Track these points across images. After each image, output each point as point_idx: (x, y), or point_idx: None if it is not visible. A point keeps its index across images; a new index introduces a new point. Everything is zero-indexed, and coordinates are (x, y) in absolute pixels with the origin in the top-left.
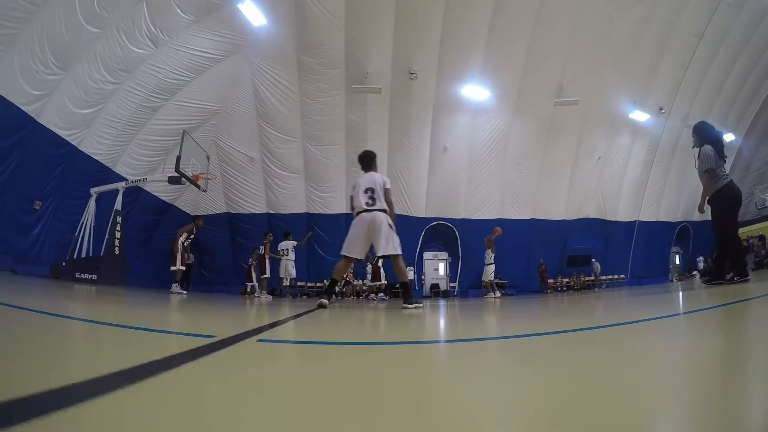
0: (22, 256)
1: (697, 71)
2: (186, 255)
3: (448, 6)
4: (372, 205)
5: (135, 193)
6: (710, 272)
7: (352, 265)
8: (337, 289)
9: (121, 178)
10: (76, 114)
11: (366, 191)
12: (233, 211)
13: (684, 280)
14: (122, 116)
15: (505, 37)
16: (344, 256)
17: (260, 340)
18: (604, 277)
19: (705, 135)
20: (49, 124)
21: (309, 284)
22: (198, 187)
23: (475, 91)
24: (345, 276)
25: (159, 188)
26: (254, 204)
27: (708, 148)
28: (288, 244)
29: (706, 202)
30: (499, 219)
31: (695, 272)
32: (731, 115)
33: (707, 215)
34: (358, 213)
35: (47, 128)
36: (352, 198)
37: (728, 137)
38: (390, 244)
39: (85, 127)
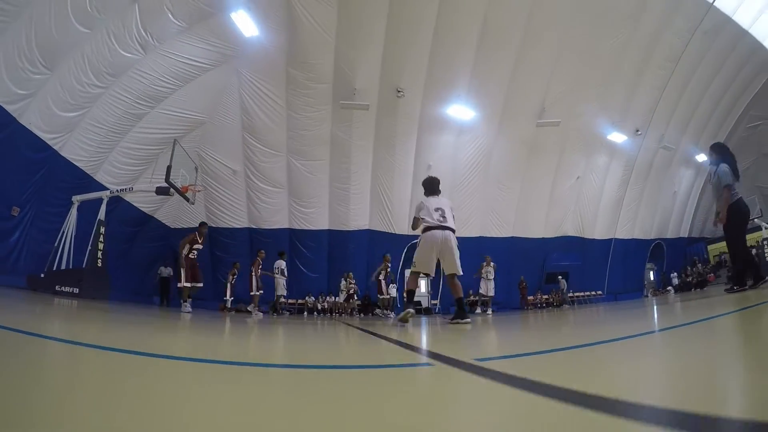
0: None
1: (672, 94)
2: (192, 268)
3: (437, 26)
4: (444, 222)
5: (114, 203)
6: (733, 280)
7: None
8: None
9: (101, 187)
10: (60, 117)
11: (437, 210)
12: (213, 225)
13: (658, 296)
14: (106, 122)
15: (491, 59)
16: (416, 271)
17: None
18: (571, 295)
19: (723, 154)
20: (31, 126)
21: (290, 301)
22: (186, 199)
23: (460, 111)
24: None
25: (139, 199)
26: (236, 218)
27: (725, 166)
28: (283, 264)
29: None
30: (480, 237)
31: (669, 288)
32: (704, 136)
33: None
34: (429, 229)
35: (29, 130)
36: (416, 219)
37: (700, 158)
38: (458, 264)
39: (68, 131)
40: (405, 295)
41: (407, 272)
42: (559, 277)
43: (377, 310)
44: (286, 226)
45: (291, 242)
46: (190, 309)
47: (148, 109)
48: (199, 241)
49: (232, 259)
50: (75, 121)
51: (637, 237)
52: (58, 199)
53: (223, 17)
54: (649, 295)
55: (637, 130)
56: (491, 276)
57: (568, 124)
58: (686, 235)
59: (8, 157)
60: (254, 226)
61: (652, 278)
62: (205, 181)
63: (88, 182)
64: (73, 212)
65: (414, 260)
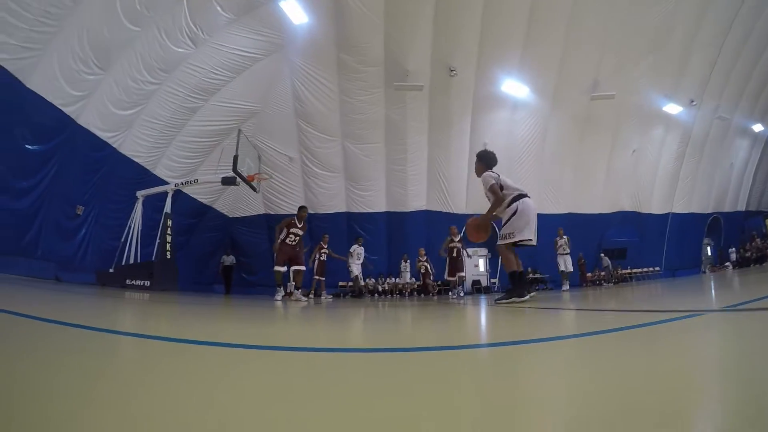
0: (66, 263)
1: (725, 63)
2: (287, 253)
3: (486, 2)
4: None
5: (174, 196)
6: None
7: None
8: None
9: (161, 181)
10: (116, 115)
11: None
12: (271, 212)
13: (716, 272)
14: (162, 117)
15: (541, 33)
16: (512, 244)
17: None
18: (628, 271)
19: None
20: (89, 126)
21: (350, 284)
22: (252, 188)
23: (514, 87)
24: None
25: (197, 190)
26: (293, 204)
27: None
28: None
29: None
30: (538, 213)
31: (727, 263)
32: (759, 105)
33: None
34: (522, 197)
35: (88, 130)
36: (501, 186)
37: (757, 127)
38: None
39: (126, 128)
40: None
41: (469, 251)
42: (602, 254)
43: (450, 291)
44: (343, 209)
45: (349, 225)
46: (279, 297)
47: (202, 102)
48: (298, 226)
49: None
50: (131, 118)
51: (694, 211)
52: (119, 195)
53: (272, 6)
54: (707, 271)
55: (692, 101)
56: (566, 250)
57: (622, 97)
58: (743, 209)
59: (70, 157)
60: (311, 211)
61: (709, 254)
62: (262, 169)
63: (148, 177)
64: (138, 207)
65: (511, 231)
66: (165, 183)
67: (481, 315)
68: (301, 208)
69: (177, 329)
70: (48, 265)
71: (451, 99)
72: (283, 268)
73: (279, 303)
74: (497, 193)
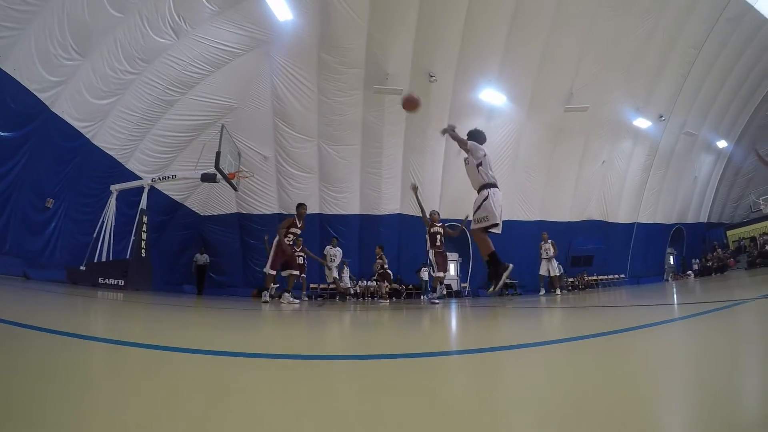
0: (34, 259)
1: (695, 81)
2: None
3: (469, 10)
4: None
5: (142, 193)
6: None
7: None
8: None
9: (133, 175)
10: (92, 104)
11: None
12: (244, 211)
13: (678, 280)
14: (138, 109)
15: (521, 42)
16: (483, 228)
17: None
18: (594, 278)
19: None
20: (63, 114)
21: (322, 286)
22: (233, 186)
23: (491, 95)
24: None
25: (169, 187)
26: (266, 204)
27: None
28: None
29: None
30: (509, 220)
31: (689, 272)
32: (724, 122)
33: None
34: (491, 186)
35: (61, 118)
36: (481, 163)
37: (720, 144)
38: None
39: (101, 119)
40: (488, 259)
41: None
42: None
43: (430, 294)
44: (316, 211)
45: (321, 227)
46: (266, 298)
47: (180, 96)
48: (298, 225)
49: (262, 244)
50: (107, 108)
51: (658, 221)
52: (91, 189)
53: (257, 1)
54: (669, 279)
55: (661, 116)
56: (551, 253)
57: (594, 109)
58: (705, 220)
59: (42, 147)
60: (284, 212)
61: (672, 262)
62: (242, 167)
63: (120, 171)
64: (112, 202)
65: (485, 215)
66: (137, 177)
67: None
68: (300, 206)
69: (174, 336)
70: (15, 261)
71: (429, 104)
72: (274, 272)
73: (265, 305)
74: (472, 156)
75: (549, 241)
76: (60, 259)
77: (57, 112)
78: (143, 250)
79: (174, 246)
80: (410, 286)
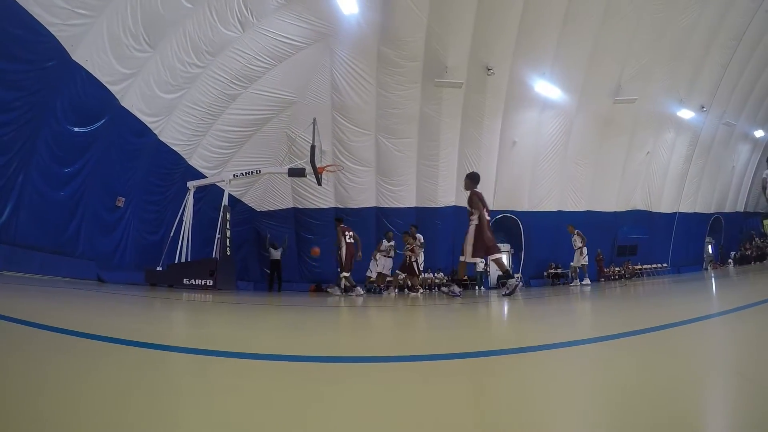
0: (105, 260)
1: (734, 72)
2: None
3: (525, 4)
4: None
5: (204, 189)
6: None
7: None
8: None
9: (196, 171)
10: (160, 99)
11: None
12: (300, 206)
13: (717, 269)
14: (203, 103)
15: (573, 37)
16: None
17: None
18: (639, 267)
19: None
20: (132, 109)
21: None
22: (318, 181)
23: (544, 88)
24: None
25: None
26: (322, 198)
27: None
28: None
29: None
30: (558, 211)
31: (729, 261)
32: (761, 112)
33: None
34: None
35: (131, 113)
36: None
37: (758, 133)
38: None
39: (167, 114)
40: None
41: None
42: (598, 250)
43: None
44: (373, 204)
45: (378, 220)
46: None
47: (242, 90)
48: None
49: (319, 239)
50: (174, 102)
51: (698, 211)
52: (157, 187)
53: None
54: (708, 268)
55: (703, 107)
56: (577, 245)
57: (640, 101)
58: (742, 209)
59: (112, 143)
60: (341, 206)
61: (710, 252)
62: (293, 161)
63: (184, 168)
64: (190, 199)
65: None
66: (201, 174)
67: None
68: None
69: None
70: (89, 264)
71: (485, 97)
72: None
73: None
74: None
75: (576, 231)
76: (130, 259)
77: (126, 106)
78: (228, 249)
79: (233, 242)
80: (466, 278)
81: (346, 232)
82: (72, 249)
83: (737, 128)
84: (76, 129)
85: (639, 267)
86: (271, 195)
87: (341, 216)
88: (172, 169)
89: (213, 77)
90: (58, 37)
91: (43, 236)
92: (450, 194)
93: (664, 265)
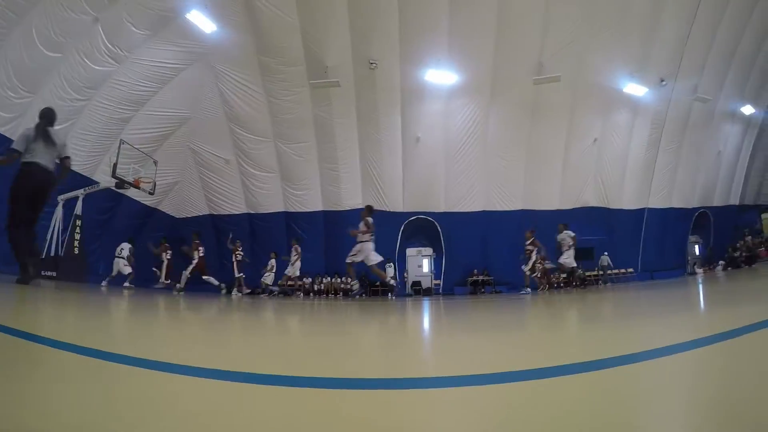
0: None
1: (701, 35)
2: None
3: None
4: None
5: (114, 200)
6: None
7: None
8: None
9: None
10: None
11: None
12: (215, 213)
13: (708, 273)
14: (95, 129)
15: (469, 11)
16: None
17: None
18: (615, 272)
19: None
20: None
21: (289, 283)
22: (139, 189)
23: (441, 76)
24: None
25: (140, 194)
26: (234, 204)
27: None
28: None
29: None
30: (485, 211)
31: (721, 262)
32: (749, 84)
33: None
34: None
35: None
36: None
37: (747, 110)
38: None
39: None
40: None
41: (407, 251)
42: (605, 253)
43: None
44: (281, 209)
45: (288, 225)
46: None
47: (133, 113)
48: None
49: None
50: (64, 132)
51: (675, 206)
52: (53, 199)
53: (183, 19)
54: (695, 271)
55: (662, 80)
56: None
57: (574, 80)
58: (737, 203)
59: (7, 168)
60: (252, 211)
61: (697, 253)
62: (201, 172)
63: (86, 183)
64: (59, 209)
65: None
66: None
67: None
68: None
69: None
70: None
71: (376, 93)
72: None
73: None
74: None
75: (531, 238)
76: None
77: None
78: (76, 248)
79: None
80: (377, 284)
81: (199, 248)
82: None
83: (718, 105)
84: None
85: (594, 273)
86: (186, 203)
87: (198, 230)
88: (73, 184)
89: (99, 106)
90: None
91: None
92: (355, 196)
93: (630, 270)
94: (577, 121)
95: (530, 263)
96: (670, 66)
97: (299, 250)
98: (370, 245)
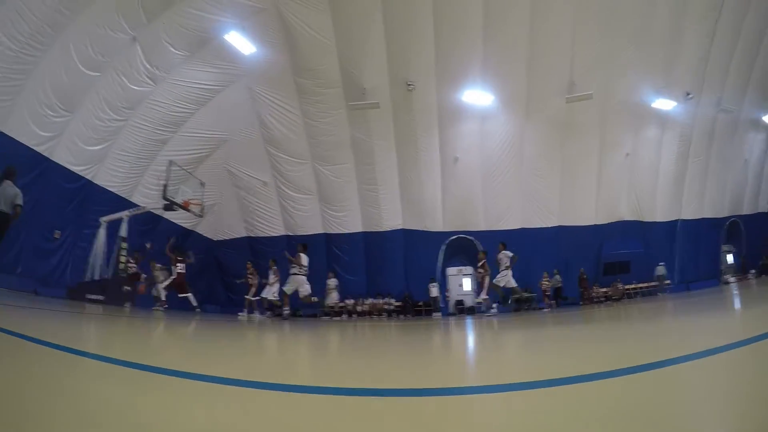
0: (44, 279)
1: (722, 49)
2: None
3: (435, 9)
4: None
5: (153, 222)
6: None
7: None
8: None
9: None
10: (87, 151)
11: None
12: (252, 235)
13: (742, 281)
14: (132, 150)
15: (501, 34)
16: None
17: None
18: (633, 286)
19: None
20: (62, 162)
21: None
22: (188, 211)
23: (478, 96)
24: None
25: (178, 216)
26: (272, 227)
27: None
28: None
29: None
30: (523, 228)
31: (752, 271)
32: None
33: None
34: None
35: (61, 165)
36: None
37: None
38: None
39: (97, 162)
40: None
41: (448, 270)
42: (661, 263)
43: None
44: (320, 231)
45: (328, 247)
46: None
47: (171, 134)
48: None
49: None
50: (103, 152)
51: (706, 216)
52: (95, 221)
53: (221, 40)
54: (728, 281)
55: (688, 94)
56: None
57: (604, 96)
58: (766, 210)
59: (45, 189)
60: (291, 233)
61: (729, 262)
62: (238, 194)
63: (123, 204)
64: (101, 231)
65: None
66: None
67: None
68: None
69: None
70: (27, 280)
71: (413, 114)
72: None
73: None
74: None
75: (481, 252)
76: (69, 279)
77: (56, 160)
78: (122, 271)
79: (191, 269)
80: (420, 303)
81: (178, 263)
82: (11, 269)
83: (741, 115)
84: None
85: (632, 286)
86: (224, 225)
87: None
88: (112, 205)
89: (137, 127)
90: None
91: None
92: (396, 218)
93: (666, 282)
94: (608, 136)
95: (485, 288)
96: (694, 80)
97: (276, 270)
98: (302, 278)
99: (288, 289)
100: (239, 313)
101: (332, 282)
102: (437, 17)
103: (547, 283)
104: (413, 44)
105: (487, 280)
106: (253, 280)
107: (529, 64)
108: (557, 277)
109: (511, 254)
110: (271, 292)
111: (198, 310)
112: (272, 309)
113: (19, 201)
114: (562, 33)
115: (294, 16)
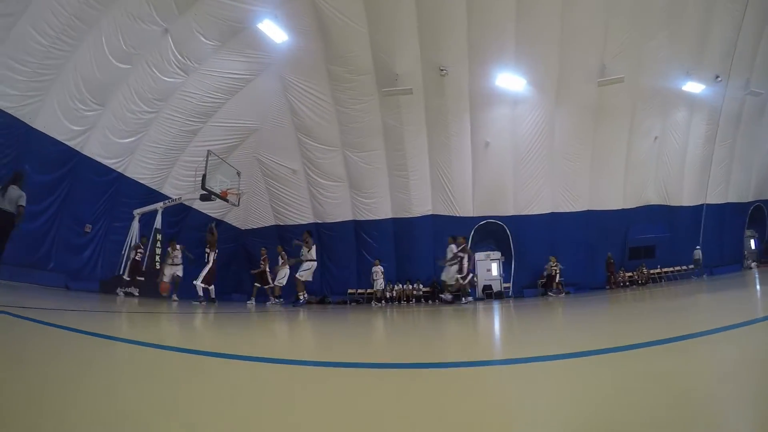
0: (75, 274)
1: (751, 32)
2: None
3: None
4: None
5: (183, 213)
6: None
7: None
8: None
9: (167, 198)
10: (118, 144)
11: None
12: (281, 223)
13: (762, 267)
14: (163, 141)
15: (534, 18)
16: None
17: None
18: (674, 269)
19: None
20: (93, 155)
21: (359, 291)
22: (227, 201)
23: (510, 80)
24: None
25: (207, 206)
26: (301, 215)
27: None
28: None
29: None
30: (552, 213)
31: None
32: None
33: None
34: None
35: (92, 159)
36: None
37: None
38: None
39: (128, 154)
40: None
41: (476, 255)
42: (697, 247)
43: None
44: (350, 218)
45: (356, 233)
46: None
47: (201, 125)
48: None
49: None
50: (134, 145)
51: (731, 201)
52: (126, 213)
53: (253, 29)
54: (752, 266)
55: (717, 77)
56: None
57: (634, 80)
58: None
59: (77, 183)
60: (320, 221)
61: (753, 247)
62: (268, 183)
63: (154, 196)
64: (135, 224)
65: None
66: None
67: None
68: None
69: None
70: (59, 275)
71: (445, 99)
72: None
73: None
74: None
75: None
76: (102, 273)
77: (87, 154)
78: (157, 264)
79: (220, 259)
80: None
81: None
82: (44, 264)
83: None
84: (42, 176)
85: (657, 271)
86: (252, 214)
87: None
88: (143, 198)
89: (168, 118)
90: (17, 116)
91: (17, 255)
92: (425, 203)
93: (690, 267)
94: (638, 120)
95: (465, 270)
96: (723, 62)
97: (286, 257)
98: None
99: (303, 275)
100: (266, 303)
101: (378, 269)
102: (469, 1)
103: (554, 267)
104: (445, 29)
105: (465, 262)
106: (264, 267)
107: (561, 48)
108: (551, 263)
109: (456, 249)
110: (278, 279)
111: (204, 302)
112: (281, 297)
113: (23, 202)
114: (594, 15)
115: (326, 3)
